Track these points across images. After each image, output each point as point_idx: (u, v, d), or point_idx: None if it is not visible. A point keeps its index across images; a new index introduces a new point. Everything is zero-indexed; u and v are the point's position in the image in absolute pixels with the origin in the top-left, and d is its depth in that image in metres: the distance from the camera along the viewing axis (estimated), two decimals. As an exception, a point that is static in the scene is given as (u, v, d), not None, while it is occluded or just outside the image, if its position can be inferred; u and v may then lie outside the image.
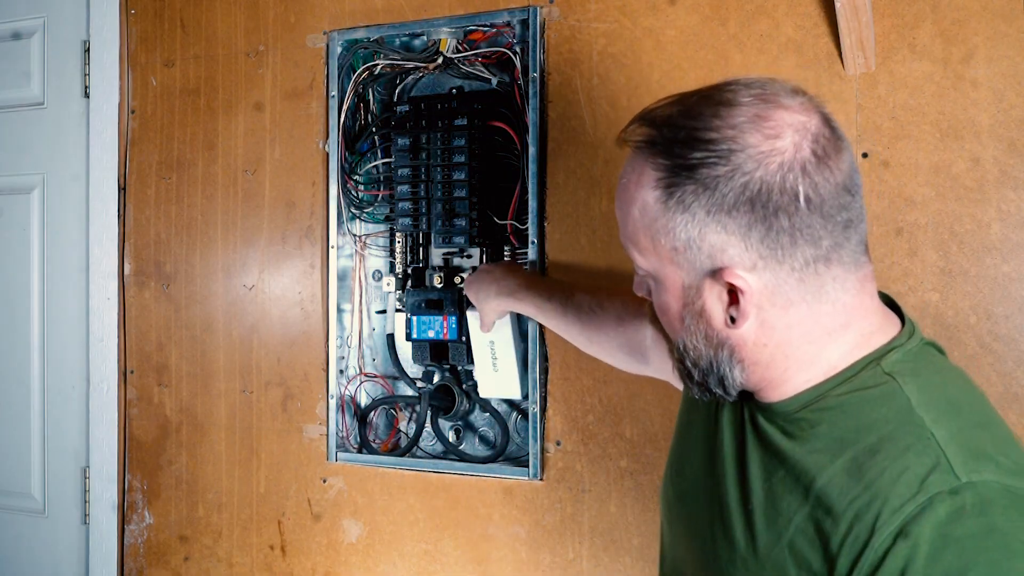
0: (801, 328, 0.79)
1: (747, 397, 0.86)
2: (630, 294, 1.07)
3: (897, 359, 0.79)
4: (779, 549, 0.76)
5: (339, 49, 1.66)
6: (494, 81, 1.58)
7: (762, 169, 0.73)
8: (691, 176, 0.75)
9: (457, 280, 1.58)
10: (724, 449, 0.87)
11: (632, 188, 0.80)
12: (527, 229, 1.52)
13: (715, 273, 0.77)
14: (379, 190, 1.66)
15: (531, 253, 1.52)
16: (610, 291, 1.30)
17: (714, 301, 0.79)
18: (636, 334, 1.23)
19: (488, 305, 1.42)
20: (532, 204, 1.51)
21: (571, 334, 1.33)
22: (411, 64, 1.62)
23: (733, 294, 0.77)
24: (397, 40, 1.64)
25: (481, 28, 1.57)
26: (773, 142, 0.74)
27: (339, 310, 1.68)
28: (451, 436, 1.64)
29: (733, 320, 0.78)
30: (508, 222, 1.55)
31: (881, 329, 0.81)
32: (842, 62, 1.33)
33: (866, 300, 0.80)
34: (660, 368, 1.20)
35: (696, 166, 0.75)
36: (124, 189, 1.88)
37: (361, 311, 1.70)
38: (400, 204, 1.59)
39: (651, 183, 0.78)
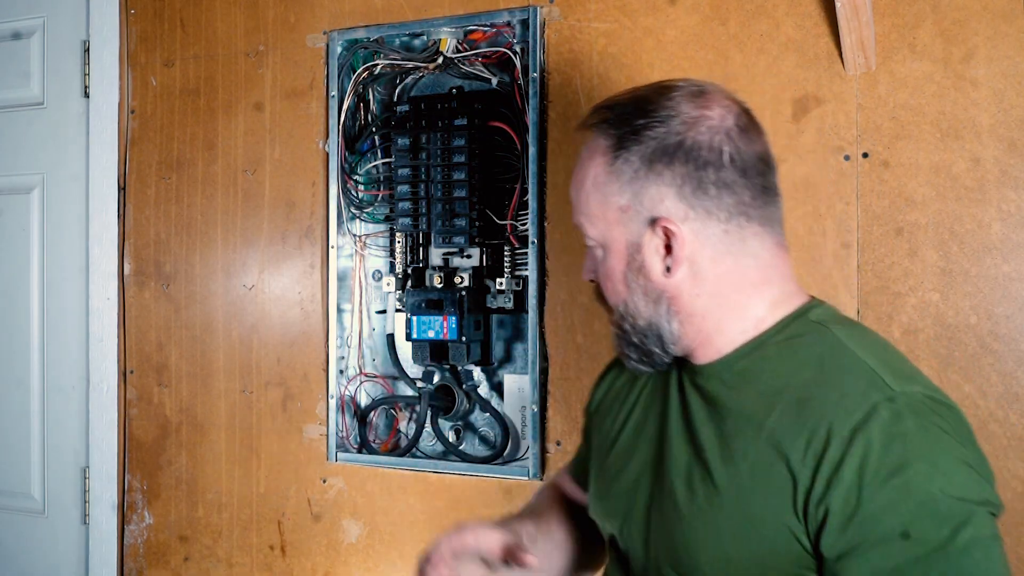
0: (729, 279, 0.90)
1: (681, 366, 0.96)
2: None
3: (821, 312, 0.92)
4: (740, 480, 0.85)
5: (339, 49, 1.66)
6: (494, 81, 1.58)
7: (694, 131, 0.88)
8: (635, 139, 0.89)
9: (457, 280, 1.58)
10: (668, 419, 0.95)
11: (586, 163, 0.93)
12: (527, 229, 1.52)
13: (653, 223, 0.89)
14: (379, 190, 1.66)
15: (531, 253, 1.52)
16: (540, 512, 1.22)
17: (652, 254, 0.90)
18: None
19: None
20: (532, 204, 1.51)
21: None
22: (411, 64, 1.62)
23: (669, 247, 0.89)
24: (397, 40, 1.64)
25: (481, 28, 1.57)
26: (704, 111, 0.89)
27: (339, 310, 1.68)
28: (451, 436, 1.64)
29: (669, 270, 0.90)
30: (508, 222, 1.55)
31: (798, 293, 0.94)
32: (842, 62, 1.33)
33: (783, 266, 0.93)
34: None
35: (640, 129, 0.89)
36: (124, 189, 1.88)
37: (361, 311, 1.70)
38: (400, 204, 1.58)
39: (601, 152, 0.92)
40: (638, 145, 0.89)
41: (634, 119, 0.90)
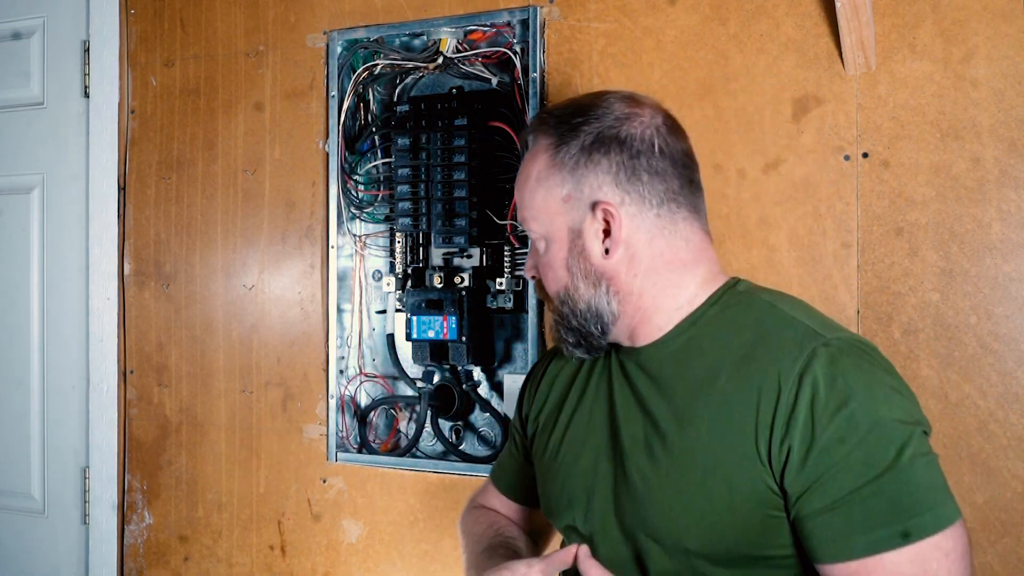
0: (663, 259, 0.99)
1: (619, 353, 1.04)
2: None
3: (746, 285, 1.02)
4: (699, 442, 0.92)
5: (339, 49, 1.66)
6: (494, 81, 1.58)
7: (627, 124, 0.98)
8: (574, 133, 0.99)
9: (457, 280, 1.58)
10: (616, 403, 1.02)
11: (529, 162, 1.02)
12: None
13: (594, 207, 0.97)
14: (379, 190, 1.66)
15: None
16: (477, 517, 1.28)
17: (592, 237, 0.98)
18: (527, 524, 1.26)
19: None
20: (532, 204, 1.51)
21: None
22: (411, 64, 1.62)
23: (607, 231, 0.97)
24: (397, 40, 1.64)
25: (481, 28, 1.57)
26: (635, 110, 0.99)
27: (339, 310, 1.68)
28: (451, 436, 1.64)
29: (607, 252, 0.98)
30: (508, 222, 1.55)
31: (722, 274, 1.04)
32: (842, 62, 1.33)
33: (710, 251, 1.02)
34: None
35: (578, 125, 0.99)
36: (124, 189, 1.88)
37: (361, 311, 1.70)
38: (400, 204, 1.58)
39: (543, 150, 1.00)
40: (577, 138, 0.98)
41: (572, 118, 1.00)
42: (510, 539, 1.17)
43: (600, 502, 1.01)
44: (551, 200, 1.00)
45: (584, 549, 0.96)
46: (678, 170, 0.99)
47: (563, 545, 1.09)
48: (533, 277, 1.06)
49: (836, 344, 0.90)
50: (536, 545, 1.23)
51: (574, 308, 1.01)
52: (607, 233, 0.98)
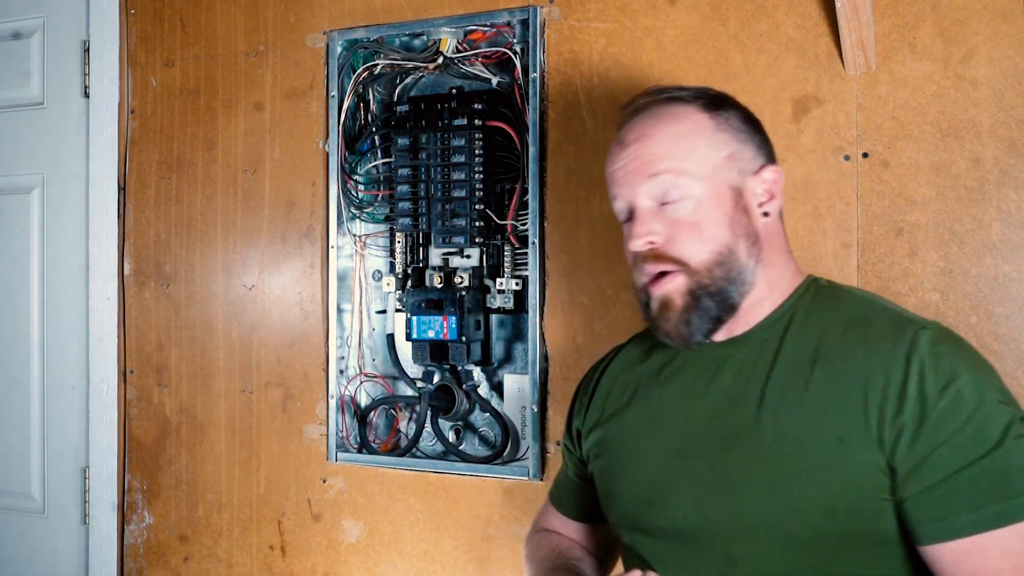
0: (781, 239, 1.05)
1: (696, 348, 1.03)
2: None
3: (825, 280, 1.06)
4: (798, 430, 0.92)
5: (339, 49, 1.66)
6: (494, 81, 1.58)
7: (748, 113, 1.06)
8: (726, 106, 1.04)
9: (457, 280, 1.58)
10: (694, 399, 1.02)
11: (675, 118, 1.02)
12: (527, 229, 1.52)
13: (759, 170, 1.02)
14: (379, 190, 1.66)
15: (531, 253, 1.52)
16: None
17: (752, 196, 1.01)
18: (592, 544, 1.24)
19: None
20: (532, 204, 1.51)
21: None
22: (411, 64, 1.62)
23: (769, 194, 1.02)
24: (397, 40, 1.64)
25: (481, 28, 1.57)
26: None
27: (339, 310, 1.68)
28: (451, 436, 1.64)
29: (766, 215, 1.02)
30: (508, 222, 1.55)
31: (799, 269, 1.08)
32: (842, 62, 1.33)
33: None
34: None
35: (724, 101, 1.05)
36: (124, 189, 1.88)
37: (361, 311, 1.70)
38: (400, 204, 1.58)
39: (696, 111, 1.02)
40: (732, 109, 1.04)
41: (710, 94, 1.05)
42: (574, 561, 1.15)
43: (679, 500, 0.99)
44: (713, 157, 1.00)
45: None
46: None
47: (624, 556, 1.08)
48: (651, 244, 1.00)
49: (934, 327, 0.94)
50: (603, 566, 1.20)
51: (728, 271, 0.99)
52: (768, 198, 1.02)
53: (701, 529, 0.97)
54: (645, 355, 1.13)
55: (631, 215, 1.03)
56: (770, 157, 1.05)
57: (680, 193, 0.99)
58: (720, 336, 1.02)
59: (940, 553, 0.87)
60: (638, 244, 1.01)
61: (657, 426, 1.05)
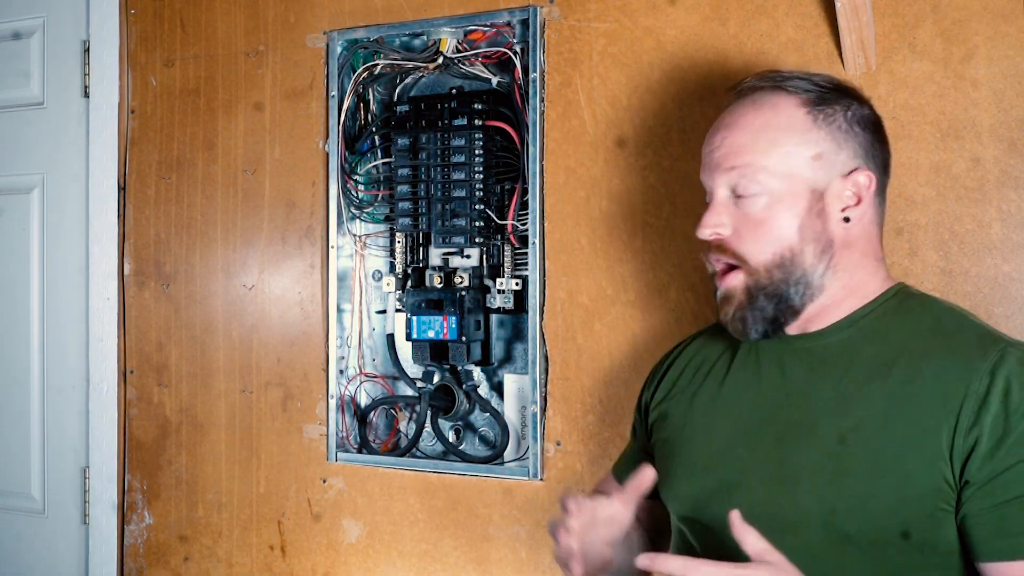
0: (871, 246, 1.01)
1: (770, 341, 1.01)
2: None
3: (916, 289, 1.04)
4: (868, 429, 0.91)
5: (339, 49, 1.66)
6: (494, 81, 1.58)
7: (869, 110, 1.03)
8: (835, 101, 1.00)
9: (457, 280, 1.58)
10: (764, 390, 1.01)
11: (766, 114, 0.99)
12: (527, 229, 1.52)
13: (849, 174, 0.98)
14: (379, 190, 1.66)
15: (531, 253, 1.52)
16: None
17: (835, 201, 0.98)
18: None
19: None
20: (532, 204, 1.51)
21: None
22: (411, 64, 1.62)
23: (855, 199, 0.98)
24: (397, 40, 1.64)
25: (481, 28, 1.57)
26: (870, 103, 1.04)
27: (339, 310, 1.68)
28: (451, 436, 1.64)
29: (847, 220, 0.98)
30: (508, 222, 1.55)
31: (890, 276, 1.05)
32: (842, 62, 1.33)
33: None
34: None
35: (837, 94, 1.01)
36: (124, 189, 1.88)
37: (361, 311, 1.70)
38: (400, 204, 1.58)
39: (795, 104, 0.99)
40: (839, 104, 1.00)
41: (825, 84, 1.01)
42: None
43: (736, 485, 0.99)
44: (797, 155, 0.98)
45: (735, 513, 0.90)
46: (889, 169, 1.05)
47: (676, 538, 1.06)
48: (716, 236, 1.01)
49: (1021, 348, 0.92)
50: (654, 543, 1.17)
51: (788, 275, 0.97)
52: (854, 203, 0.98)
53: (755, 517, 0.94)
54: (721, 340, 1.12)
55: (710, 200, 1.03)
56: (873, 160, 1.01)
57: (756, 188, 0.98)
58: (793, 330, 1.01)
59: (1003, 572, 0.86)
60: (704, 233, 1.01)
61: (722, 410, 1.05)
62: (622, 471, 1.23)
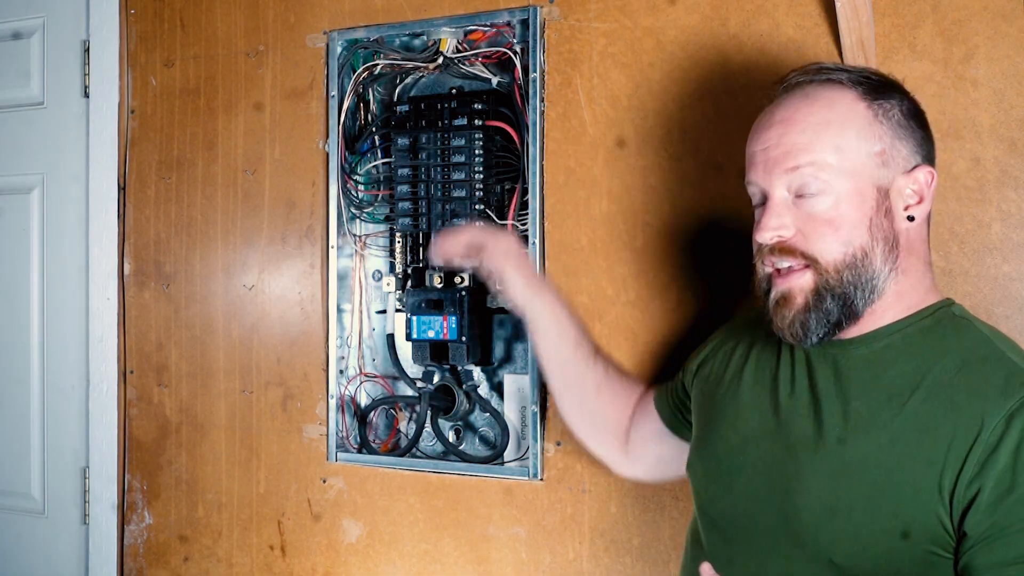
0: (924, 247, 0.98)
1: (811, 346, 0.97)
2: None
3: (961, 309, 0.98)
4: (871, 456, 0.88)
5: (339, 49, 1.66)
6: (494, 81, 1.58)
7: (917, 104, 0.99)
8: (890, 96, 0.96)
9: (457, 280, 1.58)
10: (784, 393, 0.99)
11: (835, 104, 0.95)
12: (527, 229, 1.52)
13: (912, 170, 0.95)
14: (379, 190, 1.66)
15: (531, 253, 1.52)
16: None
17: (898, 199, 0.95)
18: (629, 418, 1.30)
19: (519, 272, 1.29)
20: (532, 204, 1.51)
21: (567, 373, 1.30)
22: (411, 64, 1.62)
23: (918, 196, 0.95)
24: (397, 40, 1.64)
25: (481, 28, 1.57)
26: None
27: (339, 310, 1.68)
28: (451, 436, 1.64)
29: (911, 219, 0.95)
30: (508, 222, 1.55)
31: (936, 288, 1.01)
32: (842, 62, 1.33)
33: None
34: (634, 455, 1.30)
35: (891, 90, 0.97)
36: (124, 189, 1.88)
37: (361, 311, 1.70)
38: (400, 204, 1.58)
39: (855, 97, 0.95)
40: (894, 99, 0.96)
41: (879, 79, 0.98)
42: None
43: (738, 485, 0.99)
44: (862, 151, 0.93)
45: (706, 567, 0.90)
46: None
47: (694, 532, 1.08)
48: (780, 238, 0.95)
49: None
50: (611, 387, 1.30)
51: (858, 276, 0.93)
52: (916, 201, 0.95)
53: (749, 521, 0.96)
54: (762, 330, 1.06)
55: (764, 201, 0.98)
56: (928, 156, 0.97)
57: (820, 187, 0.93)
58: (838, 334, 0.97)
59: None
60: (766, 236, 0.96)
61: (745, 404, 1.03)
62: (661, 402, 1.27)
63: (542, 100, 1.52)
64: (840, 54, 1.33)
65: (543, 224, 1.52)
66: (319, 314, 1.71)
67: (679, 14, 1.44)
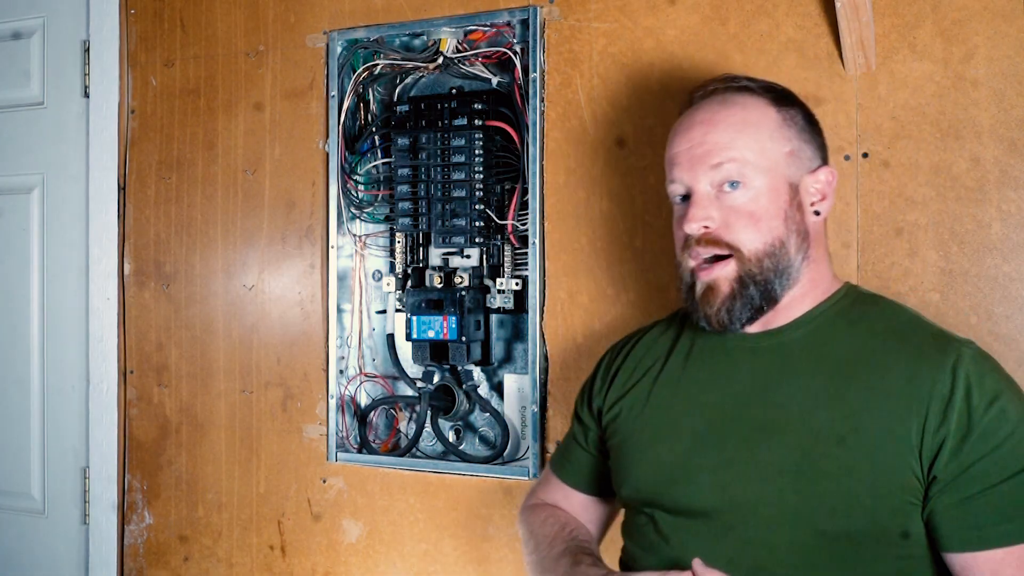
0: (825, 241, 1.08)
1: (728, 337, 1.06)
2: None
3: (863, 288, 1.11)
4: (841, 421, 0.95)
5: (339, 49, 1.66)
6: (494, 81, 1.58)
7: (812, 114, 1.11)
8: (791, 104, 1.08)
9: (457, 280, 1.58)
10: (726, 386, 1.04)
11: (742, 108, 1.05)
12: (527, 229, 1.52)
13: (815, 170, 1.06)
14: (379, 190, 1.66)
15: (531, 253, 1.52)
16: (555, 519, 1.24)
17: (806, 195, 1.04)
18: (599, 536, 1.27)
19: None
20: (532, 204, 1.51)
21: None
22: (411, 64, 1.62)
23: (821, 194, 1.05)
24: (397, 40, 1.64)
25: (481, 28, 1.57)
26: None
27: (339, 310, 1.68)
28: (451, 436, 1.64)
29: (817, 214, 1.05)
30: (508, 222, 1.55)
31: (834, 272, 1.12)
32: (842, 62, 1.33)
33: None
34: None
35: (791, 99, 1.09)
36: (124, 189, 1.88)
37: (361, 311, 1.70)
38: (400, 204, 1.58)
39: (766, 103, 1.06)
40: (795, 107, 1.08)
41: (779, 90, 1.09)
42: (586, 544, 1.15)
43: (704, 481, 1.01)
44: (776, 150, 1.03)
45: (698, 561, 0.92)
46: None
47: (635, 532, 1.09)
48: (706, 229, 1.03)
49: (974, 347, 0.98)
50: (599, 542, 1.24)
51: (777, 264, 1.02)
52: (820, 199, 1.05)
53: (725, 510, 0.99)
54: (672, 339, 1.16)
55: (687, 198, 1.05)
56: (825, 159, 1.09)
57: (743, 182, 1.02)
58: (754, 328, 1.05)
59: (972, 562, 0.91)
60: (693, 227, 1.03)
61: (683, 408, 1.07)
62: (572, 475, 1.25)
63: (542, 100, 1.52)
64: (840, 54, 1.33)
65: (543, 224, 1.52)
66: (319, 314, 1.71)
67: (679, 14, 1.44)
